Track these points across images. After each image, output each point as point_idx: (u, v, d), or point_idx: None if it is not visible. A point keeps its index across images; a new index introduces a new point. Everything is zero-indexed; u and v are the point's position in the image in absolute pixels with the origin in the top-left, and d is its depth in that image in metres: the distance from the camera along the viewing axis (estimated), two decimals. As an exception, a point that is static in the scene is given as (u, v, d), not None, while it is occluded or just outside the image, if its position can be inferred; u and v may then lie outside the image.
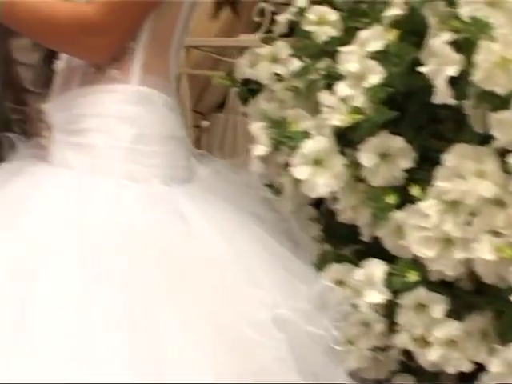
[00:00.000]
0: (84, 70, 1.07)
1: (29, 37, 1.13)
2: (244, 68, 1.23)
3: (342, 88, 0.99)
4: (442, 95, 0.95)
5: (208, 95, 2.00)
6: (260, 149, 1.02)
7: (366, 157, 0.99)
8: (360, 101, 0.99)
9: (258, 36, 1.65)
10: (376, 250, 1.19)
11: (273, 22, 1.69)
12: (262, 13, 1.69)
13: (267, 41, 1.24)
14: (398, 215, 1.02)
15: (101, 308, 0.88)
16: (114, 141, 1.03)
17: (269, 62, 1.20)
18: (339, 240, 1.19)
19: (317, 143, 0.99)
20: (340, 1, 1.20)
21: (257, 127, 1.04)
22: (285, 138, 0.99)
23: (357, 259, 1.18)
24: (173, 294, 0.90)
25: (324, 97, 1.03)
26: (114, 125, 1.03)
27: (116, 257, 0.91)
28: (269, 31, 1.66)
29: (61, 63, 1.12)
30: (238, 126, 1.79)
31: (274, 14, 1.68)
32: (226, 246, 1.00)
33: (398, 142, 1.00)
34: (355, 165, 1.02)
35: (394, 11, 1.03)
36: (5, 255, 0.92)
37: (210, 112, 2.01)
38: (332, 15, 1.14)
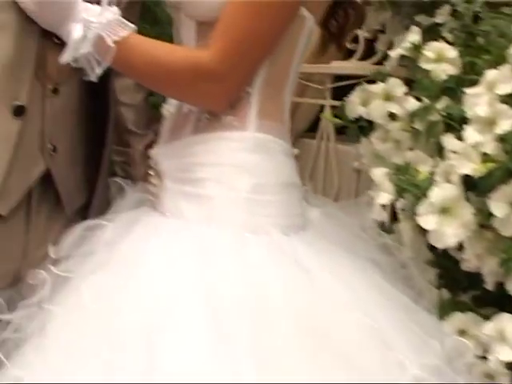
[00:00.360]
0: (197, 116, 1.06)
1: (141, 82, 1.12)
2: (355, 105, 1.19)
3: (470, 134, 0.94)
4: None
5: (296, 121, 1.97)
6: (384, 197, 0.98)
7: (498, 206, 0.94)
8: (490, 147, 0.94)
9: (352, 63, 1.61)
10: (495, 296, 1.13)
11: (367, 48, 1.65)
12: (355, 39, 1.65)
13: (378, 75, 1.20)
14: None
15: (229, 368, 0.86)
16: (231, 191, 1.01)
17: (382, 100, 1.16)
18: (457, 285, 1.14)
19: (445, 191, 0.95)
20: (453, 35, 1.16)
21: (380, 173, 0.99)
22: (411, 186, 0.94)
23: (475, 305, 1.13)
24: (304, 352, 0.87)
25: (449, 141, 0.98)
26: (231, 174, 1.02)
27: (244, 312, 0.89)
28: (363, 58, 1.62)
29: (170, 107, 1.11)
30: (331, 153, 1.76)
31: (367, 40, 1.64)
32: (348, 295, 0.97)
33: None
34: (483, 213, 0.97)
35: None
36: (132, 307, 0.91)
37: (297, 138, 1.98)
38: (451, 52, 1.09)
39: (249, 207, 1.02)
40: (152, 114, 1.27)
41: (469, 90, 0.99)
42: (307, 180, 1.80)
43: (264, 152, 1.04)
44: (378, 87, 1.17)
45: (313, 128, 1.81)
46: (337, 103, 1.41)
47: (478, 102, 0.96)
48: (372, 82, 1.23)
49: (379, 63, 1.49)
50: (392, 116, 1.15)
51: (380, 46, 1.47)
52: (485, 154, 0.95)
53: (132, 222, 1.04)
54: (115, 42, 0.98)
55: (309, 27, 1.06)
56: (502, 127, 0.92)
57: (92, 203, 1.09)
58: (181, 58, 1.00)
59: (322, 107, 1.70)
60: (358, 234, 1.13)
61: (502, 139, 0.93)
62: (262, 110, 1.04)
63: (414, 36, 1.16)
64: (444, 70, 1.07)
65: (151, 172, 1.12)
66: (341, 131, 1.44)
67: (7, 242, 1.01)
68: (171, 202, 1.05)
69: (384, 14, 1.35)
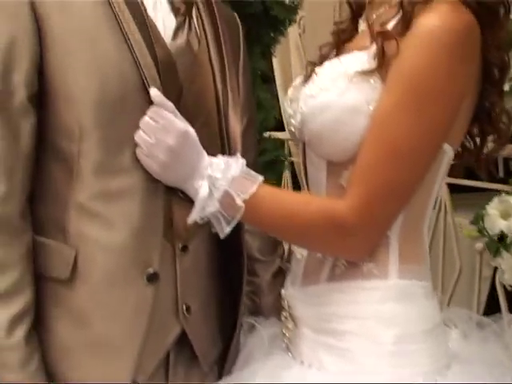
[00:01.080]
0: (333, 262, 1.00)
1: (272, 234, 1.09)
2: (495, 218, 1.09)
3: None
4: None
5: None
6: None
7: None
8: None
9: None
10: None
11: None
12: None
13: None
14: None
15: None
16: (375, 345, 0.96)
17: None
18: None
19: None
20: None
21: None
22: None
23: None
24: None
25: None
26: (374, 327, 0.96)
27: None
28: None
29: (302, 250, 1.06)
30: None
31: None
32: None
33: None
34: None
35: None
36: None
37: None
38: None
39: (393, 359, 0.96)
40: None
41: None
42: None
43: (407, 299, 0.97)
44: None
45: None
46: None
47: None
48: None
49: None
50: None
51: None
52: None
53: (275, 377, 0.99)
54: (244, 200, 0.94)
55: (449, 159, 0.98)
56: None
57: (229, 356, 1.05)
58: (317, 211, 0.95)
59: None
60: (501, 361, 1.04)
61: None
62: (402, 254, 0.97)
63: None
64: None
65: (284, 314, 1.07)
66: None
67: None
68: (310, 351, 1.01)
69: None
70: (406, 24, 0.90)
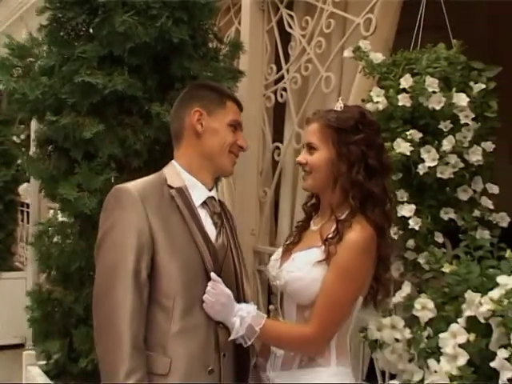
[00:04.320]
0: (300, 357, 1.90)
1: (267, 343, 1.96)
2: (374, 331, 2.07)
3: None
4: None
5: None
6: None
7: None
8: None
9: None
10: None
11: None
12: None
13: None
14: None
15: None
16: None
17: (390, 329, 2.04)
18: None
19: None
20: None
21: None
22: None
23: None
24: None
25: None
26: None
27: None
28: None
29: (279, 350, 1.94)
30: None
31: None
32: None
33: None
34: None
35: None
36: None
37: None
38: None
39: None
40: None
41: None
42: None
43: (340, 376, 1.88)
44: (386, 320, 2.05)
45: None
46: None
47: None
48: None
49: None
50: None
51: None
52: None
53: None
54: (259, 328, 1.82)
55: (359, 302, 1.92)
56: None
57: None
58: (293, 333, 1.86)
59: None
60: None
61: None
62: (337, 353, 1.89)
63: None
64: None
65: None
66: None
67: None
68: None
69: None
70: (340, 236, 1.85)
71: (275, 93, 3.47)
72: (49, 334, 2.89)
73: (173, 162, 1.94)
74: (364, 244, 1.84)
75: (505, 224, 2.34)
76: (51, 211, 5.59)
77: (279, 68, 3.48)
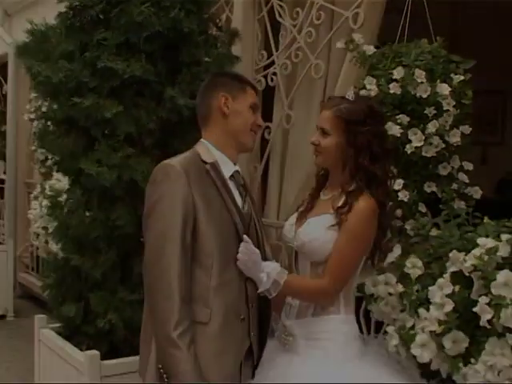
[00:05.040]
0: (314, 307, 2.25)
1: (288, 295, 2.30)
2: (370, 286, 2.43)
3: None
4: None
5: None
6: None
7: None
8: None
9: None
10: None
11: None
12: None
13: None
14: None
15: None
16: (336, 344, 2.20)
17: (384, 285, 2.41)
18: None
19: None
20: None
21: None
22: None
23: None
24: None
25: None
26: (335, 336, 2.22)
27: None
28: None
29: (294, 300, 2.28)
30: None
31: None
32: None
33: None
34: None
35: None
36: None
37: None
38: None
39: (343, 350, 2.21)
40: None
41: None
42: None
43: (348, 323, 2.25)
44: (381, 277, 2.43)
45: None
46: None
47: None
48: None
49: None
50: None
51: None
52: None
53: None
54: (283, 282, 2.15)
55: (364, 260, 2.27)
56: None
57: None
58: (311, 285, 2.20)
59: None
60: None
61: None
62: (345, 302, 2.24)
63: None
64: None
65: (285, 333, 2.28)
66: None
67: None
68: (302, 349, 2.23)
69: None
70: (349, 206, 2.19)
71: (265, 77, 3.78)
72: (65, 299, 3.15)
73: (202, 140, 2.24)
74: (369, 212, 2.19)
75: (478, 196, 2.72)
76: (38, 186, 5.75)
77: (269, 54, 3.77)
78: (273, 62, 3.74)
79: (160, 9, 2.90)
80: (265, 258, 2.23)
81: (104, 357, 3.00)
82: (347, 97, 2.24)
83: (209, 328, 2.07)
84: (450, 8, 5.64)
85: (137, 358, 2.90)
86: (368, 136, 2.20)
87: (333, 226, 2.19)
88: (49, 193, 5.04)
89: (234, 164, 2.25)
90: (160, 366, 2.03)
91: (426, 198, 2.72)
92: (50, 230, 4.87)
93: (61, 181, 5.03)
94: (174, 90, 2.93)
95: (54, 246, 4.75)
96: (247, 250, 2.13)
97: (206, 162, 2.16)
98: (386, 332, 2.48)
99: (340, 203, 2.22)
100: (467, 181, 2.72)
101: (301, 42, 3.53)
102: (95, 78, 2.84)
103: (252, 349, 2.19)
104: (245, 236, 2.14)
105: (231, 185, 2.20)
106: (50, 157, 5.10)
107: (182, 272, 2.03)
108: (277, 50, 3.73)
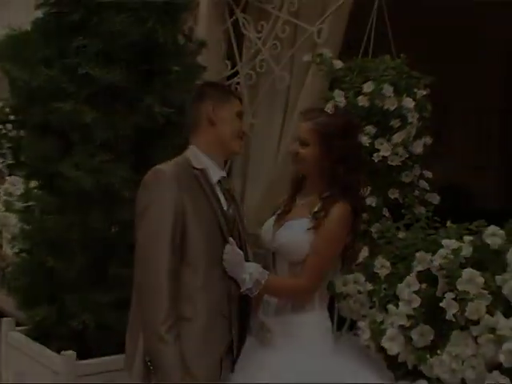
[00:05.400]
0: (292, 304, 2.40)
1: (267, 294, 2.43)
2: (340, 286, 2.61)
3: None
4: None
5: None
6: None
7: None
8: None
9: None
10: None
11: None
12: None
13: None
14: None
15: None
16: (310, 334, 2.36)
17: (353, 283, 2.59)
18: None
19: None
20: None
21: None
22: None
23: None
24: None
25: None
26: (309, 330, 2.38)
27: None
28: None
29: (272, 298, 2.43)
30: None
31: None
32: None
33: None
34: None
35: None
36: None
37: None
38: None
39: (315, 340, 2.37)
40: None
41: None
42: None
43: (321, 318, 2.41)
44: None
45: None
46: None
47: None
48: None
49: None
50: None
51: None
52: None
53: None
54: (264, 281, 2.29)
55: (336, 259, 2.45)
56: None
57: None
58: (288, 285, 2.35)
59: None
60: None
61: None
62: (319, 300, 2.40)
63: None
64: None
65: (264, 329, 2.41)
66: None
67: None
68: (278, 342, 2.37)
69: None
70: (325, 212, 2.36)
71: (229, 87, 3.91)
72: (36, 301, 3.18)
73: (192, 146, 2.36)
74: (344, 216, 2.36)
75: (436, 202, 2.96)
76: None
77: (233, 64, 3.92)
78: (237, 72, 3.89)
79: (137, 19, 3.00)
80: (247, 260, 2.37)
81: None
82: (326, 109, 2.41)
83: (193, 324, 2.19)
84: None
85: (112, 357, 3.01)
86: (344, 149, 2.37)
87: (309, 229, 2.35)
88: (4, 197, 5.03)
89: (221, 170, 2.38)
90: (148, 359, 2.14)
91: (389, 203, 2.93)
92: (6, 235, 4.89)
93: (15, 185, 5.02)
94: (150, 97, 3.03)
95: (9, 251, 4.75)
96: (232, 251, 2.26)
97: (195, 168, 2.28)
98: (351, 328, 2.67)
99: (316, 208, 2.38)
100: (428, 188, 2.95)
101: (265, 54, 3.70)
102: (73, 84, 2.90)
103: (232, 345, 2.32)
104: (230, 238, 2.27)
105: (218, 189, 2.33)
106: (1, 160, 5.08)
107: (171, 271, 2.14)
108: (241, 61, 3.89)
